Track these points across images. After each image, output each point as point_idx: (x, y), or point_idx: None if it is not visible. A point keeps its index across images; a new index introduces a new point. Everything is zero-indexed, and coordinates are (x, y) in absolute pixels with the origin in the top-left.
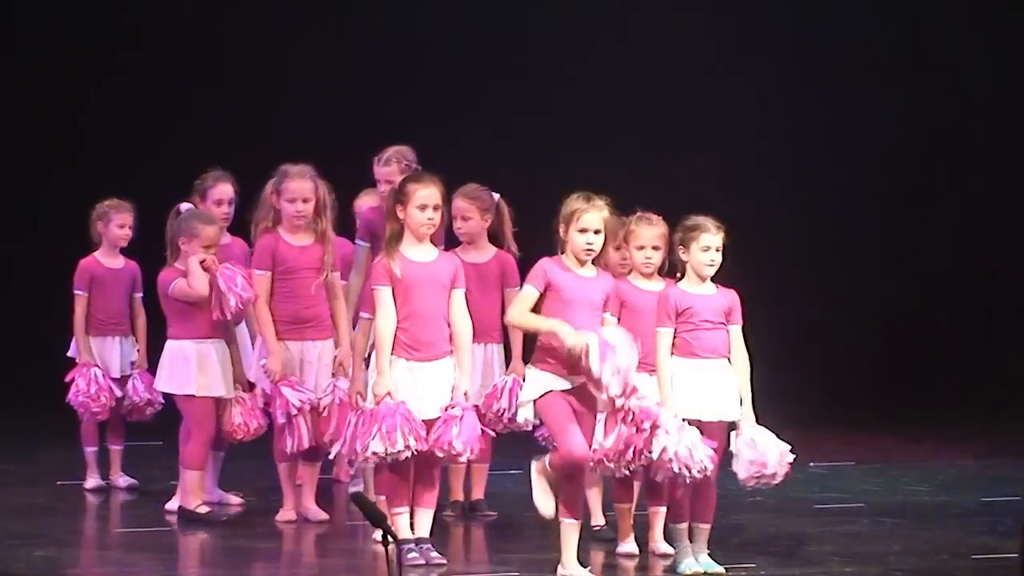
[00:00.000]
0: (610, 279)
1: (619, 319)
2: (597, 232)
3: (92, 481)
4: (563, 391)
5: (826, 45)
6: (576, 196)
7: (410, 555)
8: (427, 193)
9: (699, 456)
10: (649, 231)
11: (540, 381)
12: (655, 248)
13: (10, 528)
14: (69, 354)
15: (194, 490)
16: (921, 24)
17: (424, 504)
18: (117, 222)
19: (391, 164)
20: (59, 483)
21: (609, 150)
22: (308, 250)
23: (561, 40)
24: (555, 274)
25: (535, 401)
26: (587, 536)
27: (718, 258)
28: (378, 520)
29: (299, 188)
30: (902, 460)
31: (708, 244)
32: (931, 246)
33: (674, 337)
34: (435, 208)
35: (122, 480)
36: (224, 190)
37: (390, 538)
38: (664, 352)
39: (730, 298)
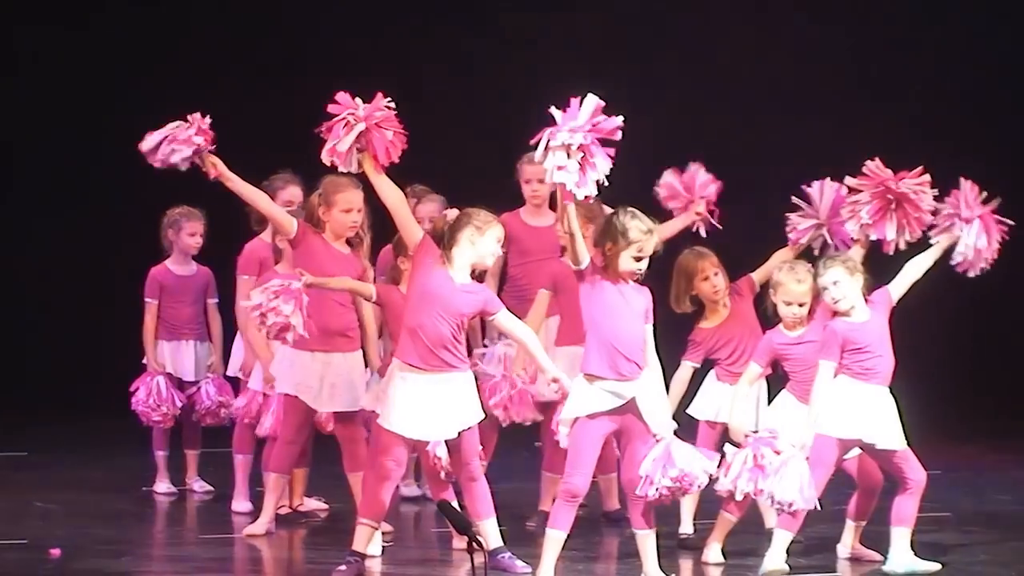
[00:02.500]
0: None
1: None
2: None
3: (163, 485)
4: (608, 411)
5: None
6: (632, 216)
7: (513, 561)
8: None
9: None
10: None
11: (585, 399)
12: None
13: (96, 534)
14: (143, 361)
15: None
16: None
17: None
18: (188, 230)
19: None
20: (144, 488)
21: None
22: (347, 259)
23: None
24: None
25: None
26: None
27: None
28: (464, 527)
29: (353, 199)
30: (989, 469)
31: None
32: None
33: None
34: (498, 240)
35: (197, 485)
36: (294, 192)
37: (476, 545)
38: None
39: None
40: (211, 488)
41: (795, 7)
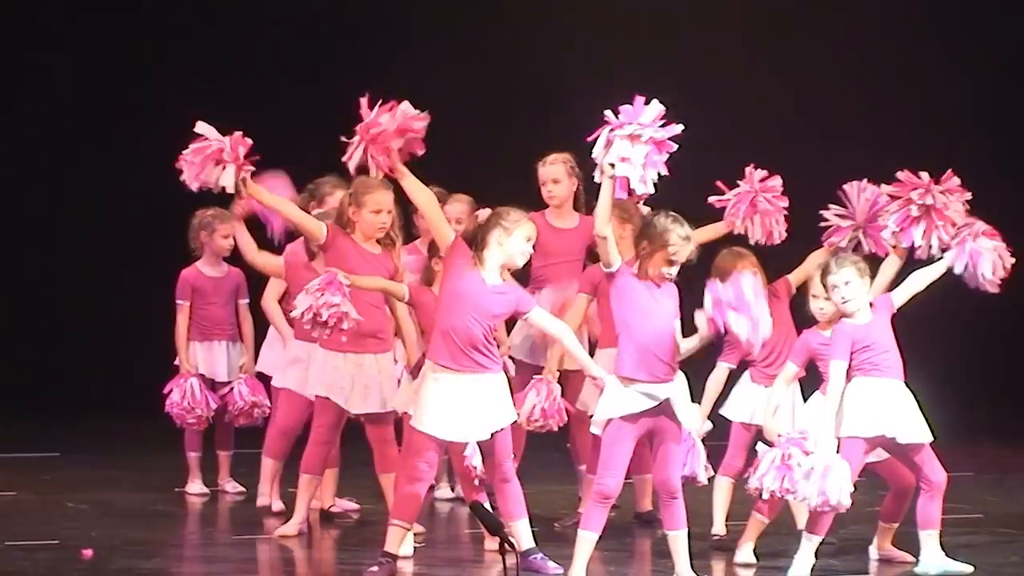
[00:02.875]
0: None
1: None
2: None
3: (195, 486)
4: (642, 412)
5: None
6: (673, 220)
7: (545, 562)
8: (533, 229)
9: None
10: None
11: (619, 400)
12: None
13: (127, 535)
14: (175, 362)
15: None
16: None
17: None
18: (221, 232)
19: (556, 164)
20: (176, 489)
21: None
22: (378, 259)
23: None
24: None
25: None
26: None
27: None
28: (496, 528)
29: (383, 200)
30: (1020, 470)
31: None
32: None
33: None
34: (528, 239)
35: (230, 486)
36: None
37: (507, 546)
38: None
39: None
40: (243, 489)
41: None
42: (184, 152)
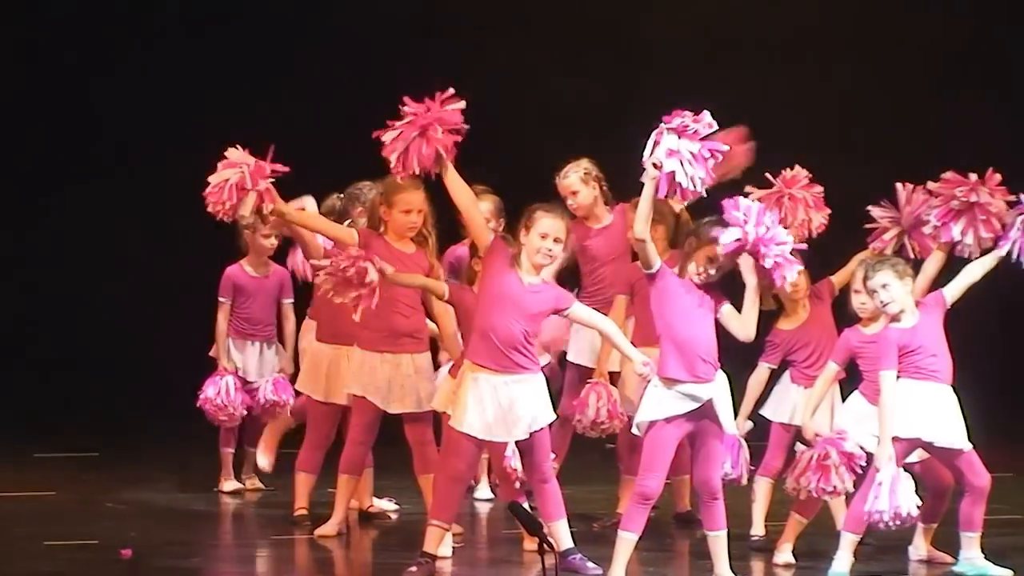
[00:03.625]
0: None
1: None
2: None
3: (229, 484)
4: (684, 413)
5: None
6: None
7: (584, 563)
8: (550, 224)
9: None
10: None
11: (662, 403)
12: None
13: (166, 534)
14: (211, 354)
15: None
16: None
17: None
18: (264, 231)
19: (568, 177)
20: (214, 489)
21: None
22: (412, 258)
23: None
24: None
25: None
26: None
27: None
28: (535, 529)
29: (413, 199)
30: None
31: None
32: None
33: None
34: (556, 240)
35: (250, 483)
36: None
37: (546, 546)
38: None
39: None
40: (263, 487)
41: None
42: (208, 187)
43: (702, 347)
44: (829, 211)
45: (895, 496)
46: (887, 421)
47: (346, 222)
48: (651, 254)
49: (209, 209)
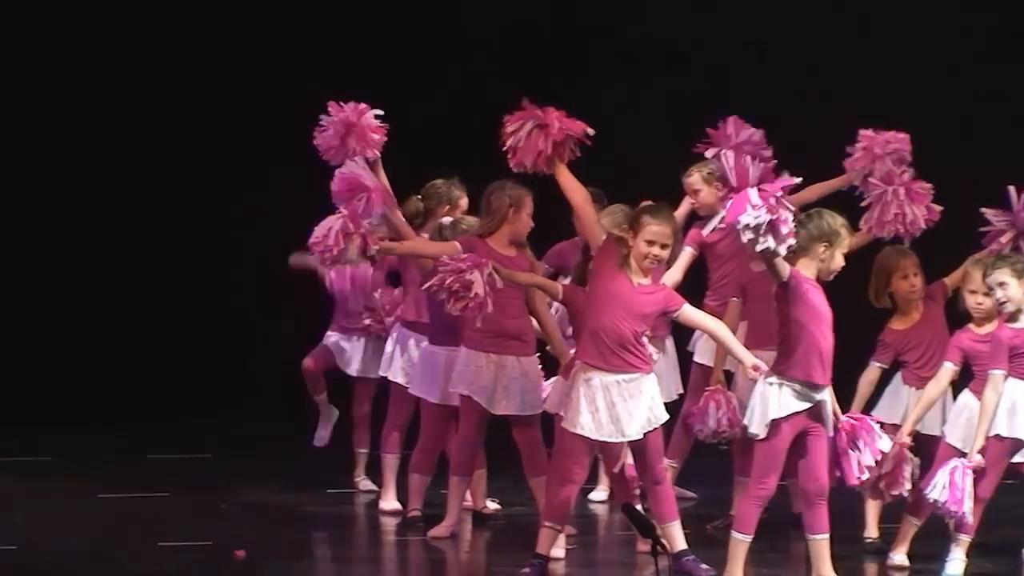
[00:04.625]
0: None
1: None
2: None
3: (365, 482)
4: (799, 413)
5: None
6: (830, 216)
7: (697, 564)
8: (656, 230)
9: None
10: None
11: (781, 402)
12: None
13: (280, 536)
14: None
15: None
16: None
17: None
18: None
19: (692, 176)
20: (328, 490)
21: None
22: (514, 261)
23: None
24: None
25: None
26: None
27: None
28: (648, 531)
29: (531, 202)
30: None
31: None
32: None
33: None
34: (663, 246)
35: (363, 484)
36: (465, 201)
37: (660, 548)
38: None
39: None
40: (375, 488)
41: None
42: (313, 235)
43: (829, 350)
44: (940, 209)
45: (958, 490)
46: (987, 419)
47: (430, 221)
48: (780, 265)
49: (316, 258)
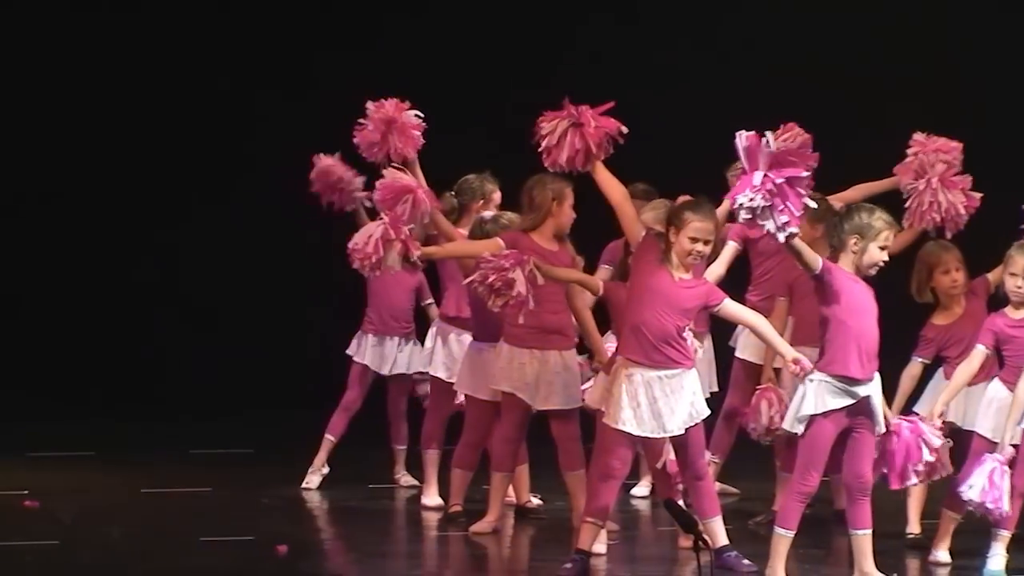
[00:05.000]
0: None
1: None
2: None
3: (406, 477)
4: (842, 408)
5: None
6: (869, 210)
7: (739, 560)
8: (699, 227)
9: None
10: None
11: (823, 397)
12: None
13: (322, 531)
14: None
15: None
16: None
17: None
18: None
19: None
20: (369, 486)
21: None
22: (557, 255)
23: None
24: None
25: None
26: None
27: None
28: (690, 526)
29: (572, 194)
30: None
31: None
32: None
33: None
34: (705, 243)
35: (404, 480)
36: (498, 194)
37: (701, 543)
38: None
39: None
40: (417, 483)
41: None
42: (353, 242)
43: (871, 344)
44: (979, 196)
45: (996, 489)
46: (1019, 410)
47: (464, 216)
48: (810, 256)
49: (355, 266)
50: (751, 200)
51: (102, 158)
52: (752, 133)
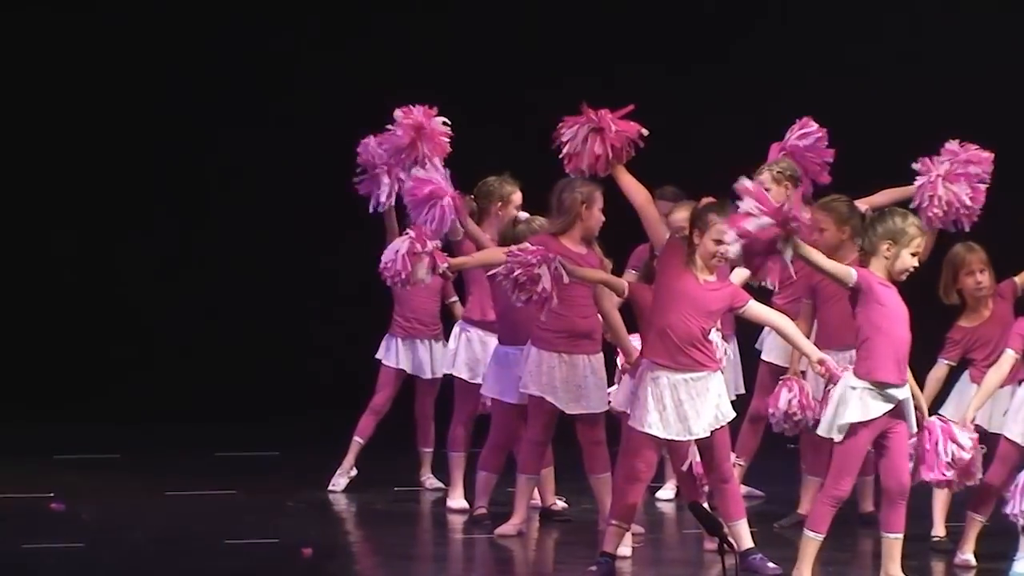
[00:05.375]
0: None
1: None
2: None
3: (431, 480)
4: (882, 415)
5: None
6: (902, 216)
7: (765, 563)
8: (724, 228)
9: None
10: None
11: (864, 405)
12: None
13: (347, 533)
14: (377, 356)
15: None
16: None
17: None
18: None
19: (762, 175)
20: (396, 488)
21: None
22: (585, 258)
23: None
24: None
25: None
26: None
27: None
28: (715, 529)
29: (602, 198)
30: None
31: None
32: None
33: None
34: (717, 241)
35: (429, 482)
36: (518, 197)
37: (727, 546)
38: None
39: None
40: (442, 486)
41: None
42: (383, 260)
43: (906, 350)
44: (984, 187)
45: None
46: None
47: (484, 219)
48: (841, 271)
49: (388, 282)
50: (731, 245)
51: (127, 158)
52: (746, 186)
